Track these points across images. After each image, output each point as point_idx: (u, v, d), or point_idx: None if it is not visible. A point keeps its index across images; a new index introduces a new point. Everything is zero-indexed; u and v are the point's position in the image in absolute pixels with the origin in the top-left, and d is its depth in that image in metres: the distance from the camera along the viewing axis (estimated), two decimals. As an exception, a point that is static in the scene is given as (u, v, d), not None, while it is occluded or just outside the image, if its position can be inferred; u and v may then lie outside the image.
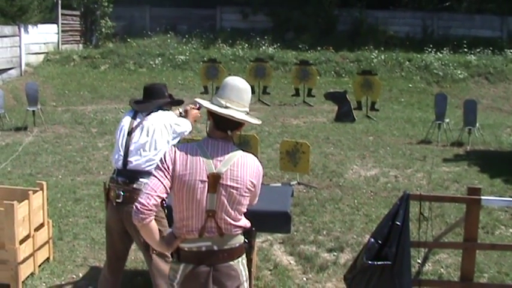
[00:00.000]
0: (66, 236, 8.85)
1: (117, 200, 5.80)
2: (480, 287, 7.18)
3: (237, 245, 4.40)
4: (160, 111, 6.02)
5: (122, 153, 5.89)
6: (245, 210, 4.42)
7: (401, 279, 5.92)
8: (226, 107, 4.28)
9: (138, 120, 5.98)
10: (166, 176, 4.23)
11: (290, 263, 8.13)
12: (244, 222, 4.43)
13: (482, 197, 6.52)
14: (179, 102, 6.56)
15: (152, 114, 5.99)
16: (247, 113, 4.40)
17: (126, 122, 6.03)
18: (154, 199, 4.15)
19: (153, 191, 4.17)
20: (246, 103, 4.39)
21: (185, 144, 4.48)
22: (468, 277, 6.50)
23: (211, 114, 4.34)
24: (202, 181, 4.22)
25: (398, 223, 5.95)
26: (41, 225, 7.71)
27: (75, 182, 11.62)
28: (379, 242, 5.96)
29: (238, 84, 4.39)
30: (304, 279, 7.69)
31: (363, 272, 5.96)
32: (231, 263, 4.37)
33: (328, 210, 10.19)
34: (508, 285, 7.55)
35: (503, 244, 8.43)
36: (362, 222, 9.70)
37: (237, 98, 4.34)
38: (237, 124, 4.36)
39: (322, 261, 8.16)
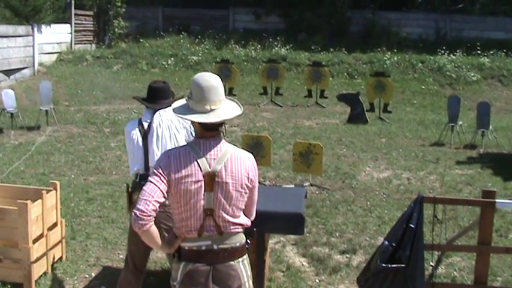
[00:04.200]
0: (79, 236, 8.86)
1: None
2: (494, 290, 7.15)
3: (238, 244, 4.42)
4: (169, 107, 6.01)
5: (142, 157, 5.91)
6: (243, 207, 4.44)
7: (414, 282, 5.90)
8: (212, 110, 4.29)
9: (147, 122, 6.00)
10: (162, 181, 4.23)
11: (303, 265, 8.11)
12: (244, 220, 4.46)
13: (497, 200, 6.49)
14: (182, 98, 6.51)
15: (161, 112, 6.00)
16: (226, 102, 4.41)
17: (136, 128, 6.04)
18: (153, 204, 4.15)
19: (150, 196, 4.17)
20: (223, 95, 4.40)
21: (177, 147, 4.51)
22: (482, 280, 6.47)
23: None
24: (198, 181, 4.24)
25: (412, 226, 5.94)
26: (54, 225, 7.72)
27: (87, 182, 11.65)
28: (393, 244, 5.94)
29: (213, 83, 4.34)
30: (317, 281, 7.68)
31: (377, 275, 5.95)
32: (231, 262, 4.39)
33: (341, 212, 10.17)
34: (522, 289, 7.52)
35: (517, 247, 8.38)
36: (375, 224, 9.67)
37: (217, 97, 4.33)
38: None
39: (335, 263, 8.14)
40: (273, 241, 8.59)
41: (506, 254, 8.12)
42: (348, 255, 8.41)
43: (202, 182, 4.24)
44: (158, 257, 7.91)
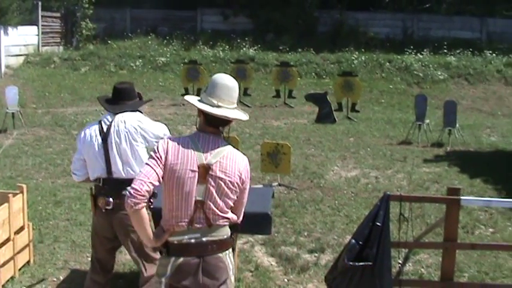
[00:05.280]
0: (47, 239, 8.80)
1: (107, 207, 5.79)
2: (460, 286, 7.22)
3: (225, 237, 4.54)
4: (129, 113, 5.97)
5: (103, 162, 5.85)
6: (232, 205, 4.56)
7: (381, 280, 5.95)
8: (218, 106, 4.45)
9: (106, 124, 5.94)
10: (158, 165, 4.37)
11: (271, 264, 8.13)
12: (231, 215, 4.57)
13: (462, 197, 6.56)
14: (149, 101, 6.54)
15: (121, 115, 5.94)
16: (236, 108, 4.58)
17: (95, 130, 5.95)
18: (147, 185, 4.27)
19: (146, 177, 4.30)
20: (235, 100, 4.56)
21: (178, 136, 4.69)
22: (448, 277, 6.54)
23: (202, 111, 4.48)
24: (192, 171, 4.37)
25: (378, 224, 5.99)
26: (21, 229, 7.67)
27: (55, 185, 11.57)
28: (360, 242, 6.00)
29: (228, 83, 4.53)
30: (285, 280, 7.70)
31: (344, 273, 5.99)
32: (220, 255, 4.51)
33: (309, 212, 10.21)
34: (487, 284, 7.59)
35: (483, 244, 8.48)
36: (343, 223, 9.72)
37: (228, 97, 4.50)
38: (227, 121, 4.53)
39: (303, 262, 8.17)
40: (242, 241, 8.60)
41: (472, 250, 8.23)
42: (316, 254, 8.45)
43: (196, 173, 4.36)
44: (127, 259, 7.87)
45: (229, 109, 4.49)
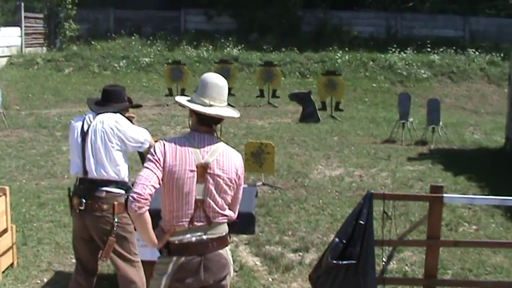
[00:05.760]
0: (31, 241, 8.76)
1: (80, 208, 5.80)
2: (443, 283, 7.25)
3: (224, 234, 4.61)
4: (109, 114, 5.96)
5: (80, 160, 5.86)
6: (230, 201, 4.63)
7: (365, 278, 5.98)
8: (211, 106, 4.51)
9: (87, 123, 5.93)
10: (158, 167, 4.40)
11: (256, 264, 8.14)
12: (229, 212, 4.65)
13: (445, 195, 6.60)
14: (138, 106, 6.57)
15: (101, 116, 5.92)
16: (227, 106, 4.65)
17: (79, 126, 5.97)
18: (149, 189, 4.30)
19: (147, 181, 4.33)
20: (226, 98, 4.63)
21: (173, 137, 4.79)
22: (432, 274, 6.57)
23: (194, 112, 4.54)
24: (191, 171, 4.42)
25: (362, 222, 6.02)
26: (5, 231, 7.63)
27: (39, 187, 11.52)
28: (344, 241, 6.02)
29: (218, 82, 4.60)
30: (270, 279, 7.72)
31: (328, 272, 6.01)
32: (220, 251, 4.58)
33: (293, 211, 10.22)
34: (471, 281, 7.63)
35: (466, 241, 8.53)
36: (327, 222, 9.74)
37: (219, 95, 4.57)
38: (219, 119, 4.62)
39: (288, 261, 8.19)
40: (226, 241, 8.59)
41: (456, 247, 8.27)
42: (300, 253, 8.47)
43: (195, 173, 4.42)
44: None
45: (221, 108, 4.56)
